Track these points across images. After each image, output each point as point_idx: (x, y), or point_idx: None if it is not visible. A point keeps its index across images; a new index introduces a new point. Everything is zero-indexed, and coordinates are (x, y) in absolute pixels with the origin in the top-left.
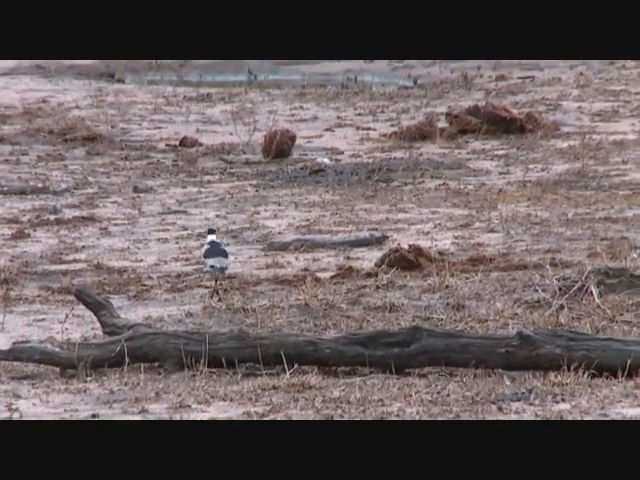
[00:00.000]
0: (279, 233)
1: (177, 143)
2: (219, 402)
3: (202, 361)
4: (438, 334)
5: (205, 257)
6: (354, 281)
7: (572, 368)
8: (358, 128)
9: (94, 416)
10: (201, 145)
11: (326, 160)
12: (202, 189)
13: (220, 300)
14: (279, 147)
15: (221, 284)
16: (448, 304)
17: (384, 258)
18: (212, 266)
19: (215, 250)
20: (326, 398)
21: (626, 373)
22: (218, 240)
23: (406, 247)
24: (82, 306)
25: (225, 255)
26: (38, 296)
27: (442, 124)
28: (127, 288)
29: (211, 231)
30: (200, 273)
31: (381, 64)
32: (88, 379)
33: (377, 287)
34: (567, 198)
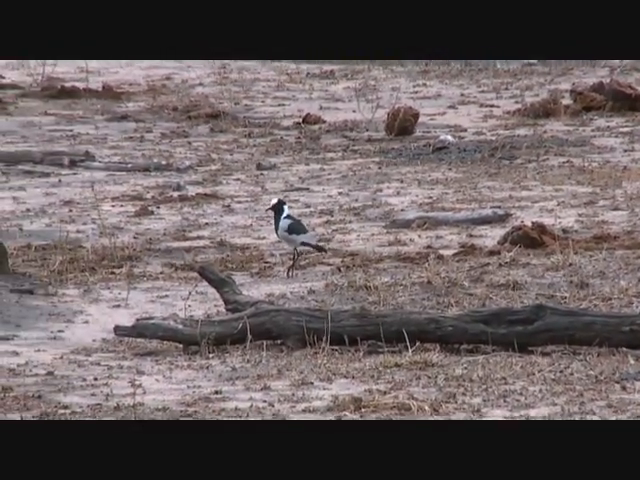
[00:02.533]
0: (402, 210)
1: (300, 120)
2: (341, 379)
3: (324, 338)
4: (561, 312)
5: (291, 233)
6: (477, 259)
7: None
8: (481, 105)
9: (217, 392)
10: (324, 122)
11: (449, 137)
12: (325, 166)
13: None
14: (402, 124)
15: (343, 261)
16: (572, 282)
17: (507, 236)
18: (305, 243)
19: (300, 225)
20: (448, 376)
21: None
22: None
23: (529, 225)
24: (205, 283)
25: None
26: (161, 273)
27: (566, 101)
28: (250, 265)
29: (283, 202)
30: (324, 250)
31: None
32: (211, 356)
33: (500, 265)
34: None
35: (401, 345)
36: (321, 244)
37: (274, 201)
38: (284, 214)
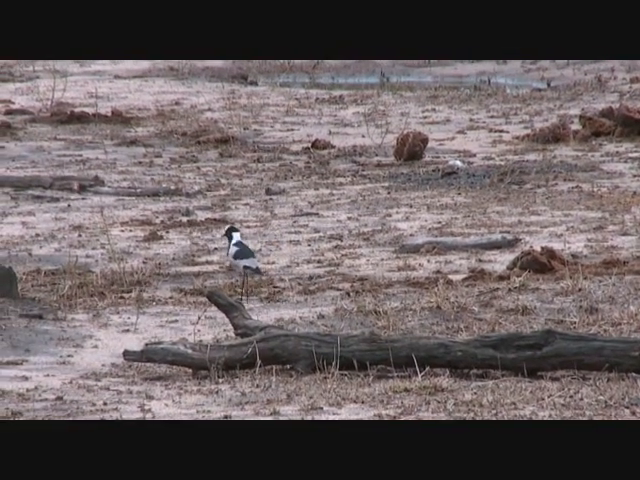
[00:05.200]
0: (411, 235)
1: (309, 145)
2: (350, 404)
3: (334, 363)
4: (571, 337)
5: (236, 258)
6: (486, 284)
7: None
8: (491, 130)
9: (226, 417)
10: (333, 147)
11: (458, 162)
12: (334, 191)
13: (244, 298)
14: (411, 149)
15: (352, 286)
16: (581, 307)
17: (516, 261)
18: (246, 267)
19: (245, 251)
20: (458, 401)
21: None
22: (243, 239)
23: (539, 250)
24: (214, 308)
25: (254, 255)
26: (170, 298)
27: (575, 126)
28: (259, 290)
29: (234, 229)
30: (332, 275)
31: (514, 66)
32: (220, 380)
33: (509, 290)
34: None
35: (410, 370)
36: (261, 267)
37: (226, 228)
38: (234, 240)
